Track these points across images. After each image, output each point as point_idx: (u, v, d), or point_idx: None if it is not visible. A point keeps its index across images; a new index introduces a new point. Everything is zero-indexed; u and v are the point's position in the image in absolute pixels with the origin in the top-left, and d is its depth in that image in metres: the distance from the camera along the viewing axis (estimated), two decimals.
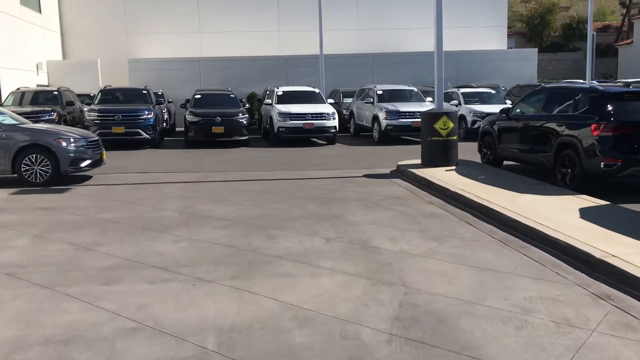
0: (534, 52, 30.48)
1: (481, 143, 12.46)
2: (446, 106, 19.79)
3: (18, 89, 19.16)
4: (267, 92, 23.29)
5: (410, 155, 14.32)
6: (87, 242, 6.59)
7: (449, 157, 11.50)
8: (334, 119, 18.25)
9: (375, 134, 18.91)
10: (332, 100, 19.86)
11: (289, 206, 8.60)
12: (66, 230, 7.14)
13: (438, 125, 11.30)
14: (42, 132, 10.39)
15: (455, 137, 11.54)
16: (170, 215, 7.96)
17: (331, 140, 18.62)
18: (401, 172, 11.59)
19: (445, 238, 6.75)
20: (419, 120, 18.94)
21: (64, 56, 29.07)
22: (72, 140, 10.38)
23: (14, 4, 23.15)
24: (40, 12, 26.10)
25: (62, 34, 29.00)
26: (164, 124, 21.35)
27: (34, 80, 24.67)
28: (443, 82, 11.77)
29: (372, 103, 19.44)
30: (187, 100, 20.56)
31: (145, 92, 18.86)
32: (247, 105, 19.78)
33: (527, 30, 55.99)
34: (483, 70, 29.28)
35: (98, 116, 16.81)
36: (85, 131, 11.33)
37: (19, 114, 16.80)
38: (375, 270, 5.59)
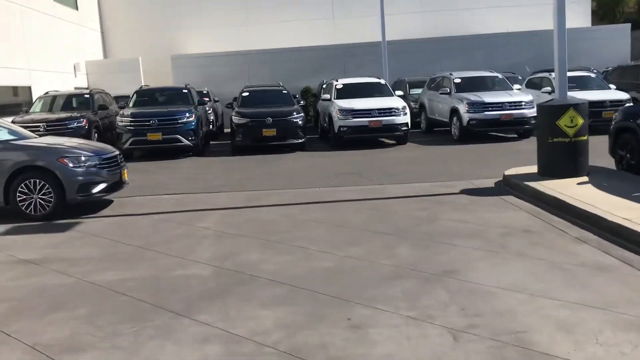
0: (626, 28, 26.65)
1: (615, 142, 9.35)
2: (536, 95, 16.68)
3: (46, 93, 17.16)
4: (324, 86, 20.64)
5: (510, 159, 11.37)
6: (58, 342, 4.06)
7: (578, 164, 8.50)
8: (405, 114, 15.39)
9: (455, 131, 15.93)
10: (400, 92, 16.98)
11: (372, 251, 5.87)
12: (38, 313, 4.64)
13: (563, 122, 8.30)
14: (42, 149, 8.00)
15: (585, 138, 8.51)
16: (200, 275, 5.37)
17: (402, 140, 15.78)
18: (513, 186, 8.67)
19: None
20: (509, 112, 16.08)
21: (105, 55, 27.26)
22: (80, 159, 7.98)
23: (48, 2, 21.28)
24: (76, 8, 24.25)
25: (102, 32, 27.16)
26: (210, 126, 19.03)
27: (71, 83, 22.86)
28: (566, 63, 8.74)
29: (449, 93, 16.45)
30: (234, 99, 18.13)
31: (186, 91, 16.50)
32: (301, 102, 17.13)
33: (598, 7, 51.14)
34: (567, 51, 25.61)
35: (131, 122, 14.53)
36: (101, 145, 8.91)
37: (44, 122, 14.89)
38: None
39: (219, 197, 9.23)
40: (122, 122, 14.63)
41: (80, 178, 7.89)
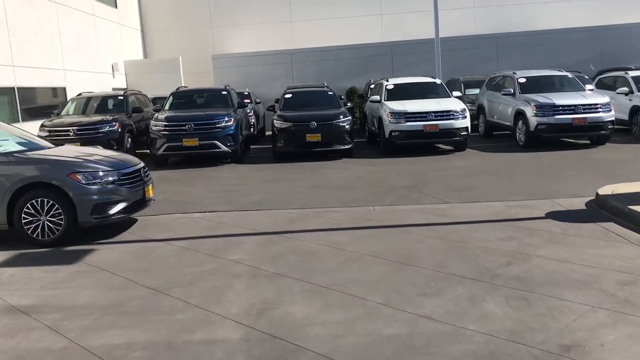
0: None
1: None
2: (610, 96, 14.84)
3: (79, 94, 16.27)
4: (372, 86, 19.24)
5: (594, 172, 9.77)
6: None
7: None
8: (465, 117, 13.83)
9: (520, 136, 14.27)
10: (458, 93, 15.40)
11: (453, 308, 4.45)
12: None
13: None
14: (51, 163, 6.83)
15: None
16: (226, 340, 4.05)
17: (461, 146, 14.22)
18: (612, 210, 7.08)
19: None
20: (582, 116, 14.24)
21: (145, 55, 26.47)
22: (96, 174, 6.80)
23: None
24: (115, 6, 23.46)
25: (142, 31, 26.38)
26: (251, 129, 17.87)
27: (109, 84, 22.07)
28: None
29: (513, 95, 14.81)
30: (276, 101, 16.91)
31: (225, 92, 15.33)
32: (348, 104, 15.75)
33: None
34: (632, 48, 23.50)
35: (165, 126, 13.42)
36: (122, 157, 7.71)
37: (74, 125, 13.94)
38: None
39: (256, 217, 7.93)
40: (156, 126, 13.54)
41: (95, 197, 6.71)
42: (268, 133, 18.39)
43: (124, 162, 7.37)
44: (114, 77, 22.68)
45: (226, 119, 13.58)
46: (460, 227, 6.85)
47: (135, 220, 7.93)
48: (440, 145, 14.84)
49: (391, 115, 13.78)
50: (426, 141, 13.95)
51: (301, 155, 13.97)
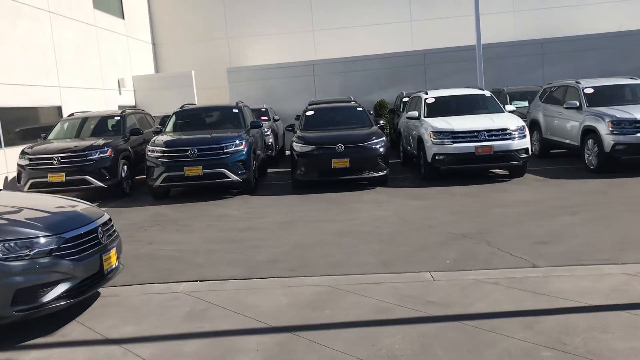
0: None
1: None
2: None
3: (71, 114, 14.22)
4: (404, 99, 16.97)
5: None
6: None
7: None
8: (524, 136, 11.40)
9: (591, 158, 11.75)
10: (512, 107, 12.94)
11: None
12: None
13: None
14: None
15: None
16: None
17: (519, 171, 11.77)
18: None
19: None
20: None
21: (157, 69, 24.52)
22: (23, 243, 4.55)
23: (85, 9, 18.57)
24: (122, 17, 21.53)
25: (153, 43, 24.45)
26: (269, 150, 15.67)
27: (115, 101, 20.08)
28: None
29: (578, 108, 12.33)
30: (297, 118, 14.69)
31: (237, 110, 13.11)
32: (380, 121, 13.38)
33: None
34: None
35: (164, 152, 11.23)
36: (75, 210, 5.41)
37: (59, 152, 11.84)
38: None
39: (265, 293, 5.58)
40: (153, 152, 11.35)
41: (19, 279, 4.45)
42: (288, 153, 16.16)
43: (73, 219, 5.11)
44: (120, 93, 20.69)
45: (237, 142, 11.35)
46: (575, 319, 4.43)
47: (98, 295, 5.68)
48: (493, 170, 12.41)
49: (434, 135, 11.41)
50: (478, 166, 11.52)
51: (326, 183, 11.67)
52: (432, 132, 11.47)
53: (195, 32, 24.25)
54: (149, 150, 11.41)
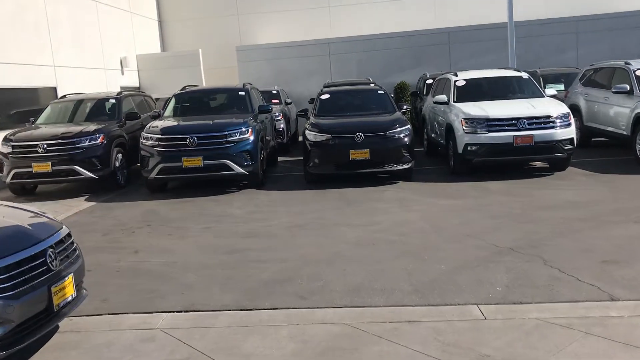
0: None
1: None
2: None
3: (63, 96, 12.99)
4: (427, 81, 15.58)
5: None
6: None
7: None
8: (568, 124, 9.98)
9: None
10: (553, 91, 11.48)
11: None
12: None
13: None
14: None
15: None
16: None
17: (562, 164, 10.36)
18: None
19: None
20: None
21: (163, 48, 23.19)
22: None
23: None
24: None
25: (159, 21, 23.11)
26: (280, 136, 14.38)
27: (117, 82, 18.83)
28: None
29: (629, 93, 10.85)
30: (311, 101, 13.37)
31: (243, 93, 11.78)
32: (404, 107, 11.93)
33: None
34: None
35: (160, 140, 9.95)
36: (22, 224, 4.17)
37: (45, 139, 10.62)
38: None
39: (264, 335, 4.30)
40: (147, 139, 10.09)
41: None
42: (301, 138, 14.87)
43: (10, 239, 3.85)
44: (122, 74, 19.44)
45: (242, 129, 10.05)
46: None
47: (57, 328, 4.47)
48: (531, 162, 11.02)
49: (466, 123, 10.02)
50: (517, 158, 10.14)
51: (342, 177, 10.37)
52: (464, 119, 10.08)
53: (204, 9, 22.85)
54: (144, 138, 10.16)
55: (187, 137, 9.80)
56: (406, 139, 10.04)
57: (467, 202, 8.31)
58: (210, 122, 10.29)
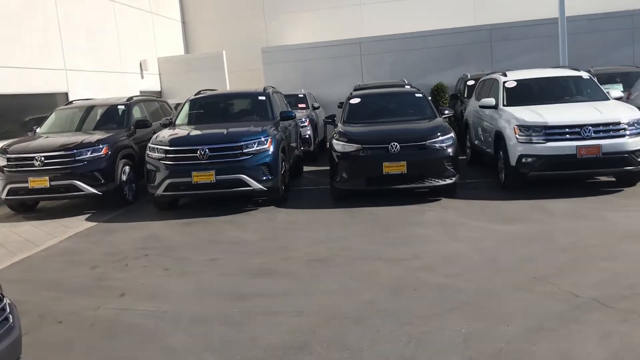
0: None
1: None
2: None
3: (69, 103, 11.97)
4: (469, 82, 14.16)
5: None
6: None
7: None
8: (638, 133, 8.43)
9: None
10: (619, 93, 9.93)
11: None
12: None
13: None
14: None
15: None
16: None
17: (634, 179, 8.81)
18: None
19: None
20: None
21: (187, 51, 22.20)
22: None
23: None
24: None
25: (183, 22, 22.12)
26: (306, 144, 13.15)
27: (136, 86, 17.85)
28: None
29: None
30: (340, 105, 12.10)
31: (264, 98, 10.53)
32: (446, 111, 10.47)
33: None
34: None
35: (167, 152, 8.76)
36: None
37: (43, 151, 9.53)
38: None
39: None
40: (154, 152, 8.92)
41: None
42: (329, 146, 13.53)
43: None
44: (142, 77, 18.46)
45: (260, 139, 8.80)
46: None
47: None
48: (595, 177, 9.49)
49: (520, 131, 8.56)
50: (580, 172, 8.63)
51: (374, 192, 9.03)
52: (517, 126, 8.63)
53: (229, 8, 21.80)
54: (150, 150, 8.99)
55: (198, 149, 8.59)
56: (449, 150, 8.64)
57: (526, 228, 6.87)
58: (224, 131, 9.03)
